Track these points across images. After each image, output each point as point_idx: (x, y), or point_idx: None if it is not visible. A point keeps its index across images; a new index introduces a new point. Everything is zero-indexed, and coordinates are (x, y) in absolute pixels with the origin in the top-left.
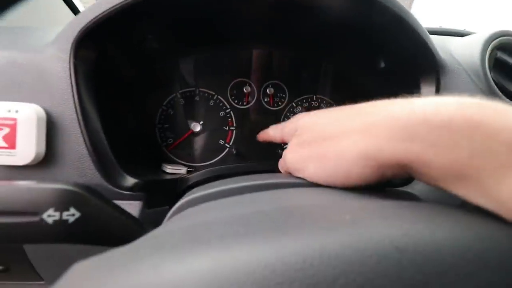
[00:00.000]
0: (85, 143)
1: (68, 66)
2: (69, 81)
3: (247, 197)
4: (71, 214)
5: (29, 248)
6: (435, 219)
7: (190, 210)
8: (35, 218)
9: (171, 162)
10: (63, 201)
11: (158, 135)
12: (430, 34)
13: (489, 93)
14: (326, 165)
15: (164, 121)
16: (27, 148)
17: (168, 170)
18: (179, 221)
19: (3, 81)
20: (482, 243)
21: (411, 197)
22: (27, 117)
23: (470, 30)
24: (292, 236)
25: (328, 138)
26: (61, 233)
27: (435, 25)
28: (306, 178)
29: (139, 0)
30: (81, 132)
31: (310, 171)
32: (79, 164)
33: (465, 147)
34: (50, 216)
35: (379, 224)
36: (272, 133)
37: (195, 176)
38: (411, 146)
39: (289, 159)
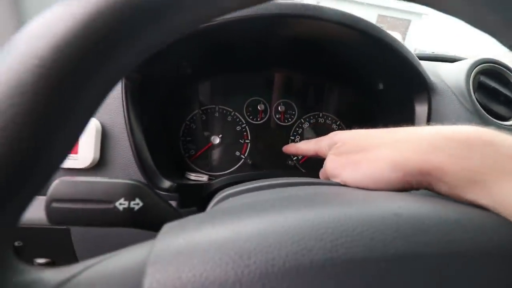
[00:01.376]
0: (132, 151)
1: (121, 86)
2: (120, 98)
3: (279, 190)
4: (136, 203)
5: (76, 244)
6: (421, 200)
7: (232, 199)
8: (110, 206)
9: (193, 171)
10: (131, 193)
11: (182, 147)
12: (423, 59)
13: (474, 111)
14: (360, 170)
15: (187, 134)
16: (87, 154)
17: (192, 178)
18: (229, 203)
19: None
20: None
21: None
22: (89, 128)
23: (459, 55)
24: (320, 207)
25: (363, 149)
26: (128, 219)
27: (429, 47)
28: (342, 182)
29: (190, 35)
30: (129, 141)
31: (346, 175)
32: (126, 168)
33: (476, 158)
34: (121, 204)
35: (382, 201)
36: (305, 147)
37: (218, 182)
38: (432, 157)
39: (329, 167)
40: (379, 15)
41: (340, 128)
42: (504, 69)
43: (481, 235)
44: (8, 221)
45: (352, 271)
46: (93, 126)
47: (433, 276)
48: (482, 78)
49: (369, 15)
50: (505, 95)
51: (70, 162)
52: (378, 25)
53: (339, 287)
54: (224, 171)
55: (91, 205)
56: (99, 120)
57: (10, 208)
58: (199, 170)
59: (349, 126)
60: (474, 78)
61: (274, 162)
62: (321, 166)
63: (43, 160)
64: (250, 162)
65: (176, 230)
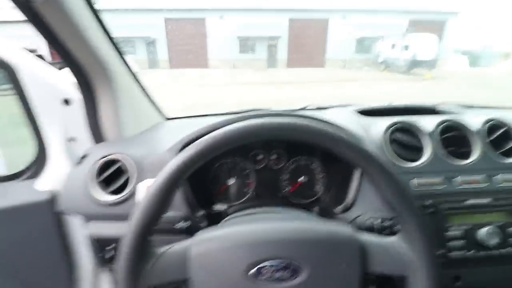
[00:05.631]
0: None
1: None
2: None
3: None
4: (186, 224)
5: None
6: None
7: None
8: (172, 226)
9: (217, 202)
10: (182, 218)
11: (211, 187)
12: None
13: (386, 158)
14: None
15: (213, 178)
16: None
17: (217, 208)
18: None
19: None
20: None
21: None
22: None
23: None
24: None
25: None
26: (179, 232)
27: (469, 44)
28: None
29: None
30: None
31: None
32: (178, 204)
33: None
34: (178, 226)
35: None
36: None
37: (231, 210)
38: None
39: None
40: (411, 21)
41: (316, 167)
42: (412, 124)
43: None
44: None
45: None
46: None
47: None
48: (396, 135)
49: (400, 21)
50: (413, 145)
51: None
52: (410, 29)
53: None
54: (237, 201)
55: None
56: None
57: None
58: (222, 201)
59: (325, 166)
60: (390, 135)
61: (271, 194)
62: (306, 195)
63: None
64: (254, 194)
65: (202, 232)
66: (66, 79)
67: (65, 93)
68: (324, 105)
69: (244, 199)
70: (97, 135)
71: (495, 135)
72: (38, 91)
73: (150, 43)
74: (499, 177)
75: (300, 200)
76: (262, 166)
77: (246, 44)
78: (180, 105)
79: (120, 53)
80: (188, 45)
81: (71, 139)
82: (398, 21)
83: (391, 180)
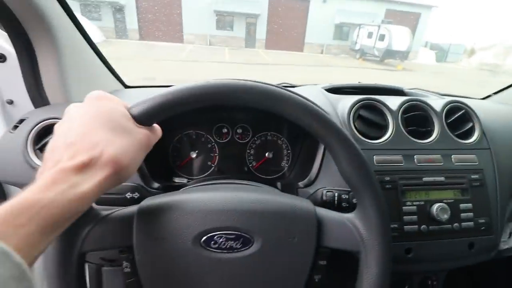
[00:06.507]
0: None
1: None
2: None
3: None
4: (136, 195)
5: None
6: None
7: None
8: (122, 196)
9: (178, 176)
10: (133, 189)
11: (171, 160)
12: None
13: (352, 135)
14: None
15: (173, 151)
16: None
17: (176, 181)
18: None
19: None
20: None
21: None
22: None
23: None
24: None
25: None
26: (130, 203)
27: (441, 38)
28: None
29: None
30: None
31: None
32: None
33: None
34: (129, 195)
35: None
36: None
37: (192, 183)
38: None
39: None
40: (387, 10)
41: (282, 143)
42: (378, 103)
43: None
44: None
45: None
46: None
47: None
48: (362, 111)
49: (377, 10)
50: (377, 123)
51: None
52: (386, 19)
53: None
54: (200, 175)
55: (112, 196)
56: None
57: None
58: (183, 175)
59: (291, 142)
60: (355, 112)
61: (234, 168)
62: (272, 170)
63: None
64: (217, 169)
65: (151, 198)
66: None
67: None
68: (296, 84)
69: (206, 173)
70: (38, 98)
71: (453, 118)
72: None
73: (118, 10)
74: (453, 157)
75: (265, 175)
76: (226, 140)
77: (223, 20)
78: (145, 80)
79: (66, 6)
80: (160, 16)
81: (8, 102)
82: (376, 10)
83: (352, 152)
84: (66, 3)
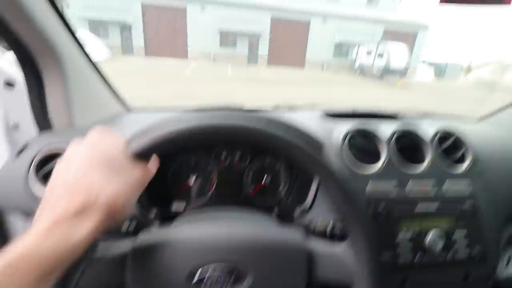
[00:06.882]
0: None
1: None
2: None
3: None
4: (133, 223)
5: None
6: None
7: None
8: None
9: (177, 199)
10: (129, 219)
11: (170, 183)
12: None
13: (344, 162)
14: None
15: (172, 175)
16: None
17: (174, 207)
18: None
19: None
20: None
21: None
22: None
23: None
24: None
25: None
26: (136, 233)
27: (436, 56)
28: None
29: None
30: None
31: None
32: None
33: None
34: (125, 228)
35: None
36: None
37: (187, 212)
38: None
39: None
40: (385, 30)
41: (279, 169)
42: (371, 131)
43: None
44: None
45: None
46: None
47: None
48: (355, 140)
49: (376, 29)
50: (371, 151)
51: None
52: (384, 38)
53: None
54: (197, 200)
55: None
56: None
57: None
58: (181, 200)
59: (288, 168)
60: (349, 140)
61: (232, 194)
62: (269, 197)
63: None
64: (215, 194)
65: (145, 234)
66: (8, 60)
67: (7, 75)
68: (295, 105)
69: (204, 198)
70: (42, 122)
71: (444, 145)
72: None
73: (125, 29)
74: (446, 184)
75: (261, 202)
76: (225, 165)
77: (227, 38)
78: (149, 97)
79: (73, 34)
80: (166, 34)
81: (14, 126)
82: (375, 29)
83: (339, 187)
84: (75, 32)
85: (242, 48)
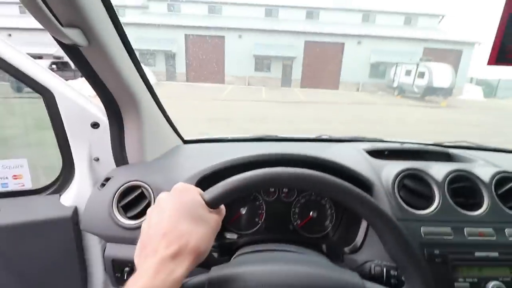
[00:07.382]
0: None
1: None
2: None
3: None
4: None
5: None
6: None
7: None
8: None
9: (229, 231)
10: None
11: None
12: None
13: (395, 204)
14: None
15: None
16: None
17: (228, 237)
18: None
19: None
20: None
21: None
22: None
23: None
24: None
25: None
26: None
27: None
28: None
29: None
30: None
31: None
32: None
33: None
34: None
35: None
36: None
37: (241, 241)
38: None
39: None
40: (426, 48)
41: (326, 203)
42: (423, 173)
43: None
44: None
45: None
46: None
47: None
48: (406, 181)
49: (415, 49)
50: (423, 193)
51: None
52: (424, 57)
53: None
54: (248, 231)
55: None
56: None
57: None
58: (233, 230)
59: (335, 203)
60: (399, 181)
61: (280, 225)
62: (315, 230)
63: None
64: (264, 226)
65: (218, 269)
66: (95, 104)
67: (94, 117)
68: (335, 136)
69: (254, 229)
70: (120, 158)
71: (503, 189)
72: (70, 114)
73: (170, 57)
74: (507, 231)
75: (308, 234)
76: (273, 198)
77: (261, 63)
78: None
79: (146, 81)
80: (205, 61)
81: (95, 159)
82: (413, 48)
83: (393, 232)
84: (147, 77)
85: (276, 71)
